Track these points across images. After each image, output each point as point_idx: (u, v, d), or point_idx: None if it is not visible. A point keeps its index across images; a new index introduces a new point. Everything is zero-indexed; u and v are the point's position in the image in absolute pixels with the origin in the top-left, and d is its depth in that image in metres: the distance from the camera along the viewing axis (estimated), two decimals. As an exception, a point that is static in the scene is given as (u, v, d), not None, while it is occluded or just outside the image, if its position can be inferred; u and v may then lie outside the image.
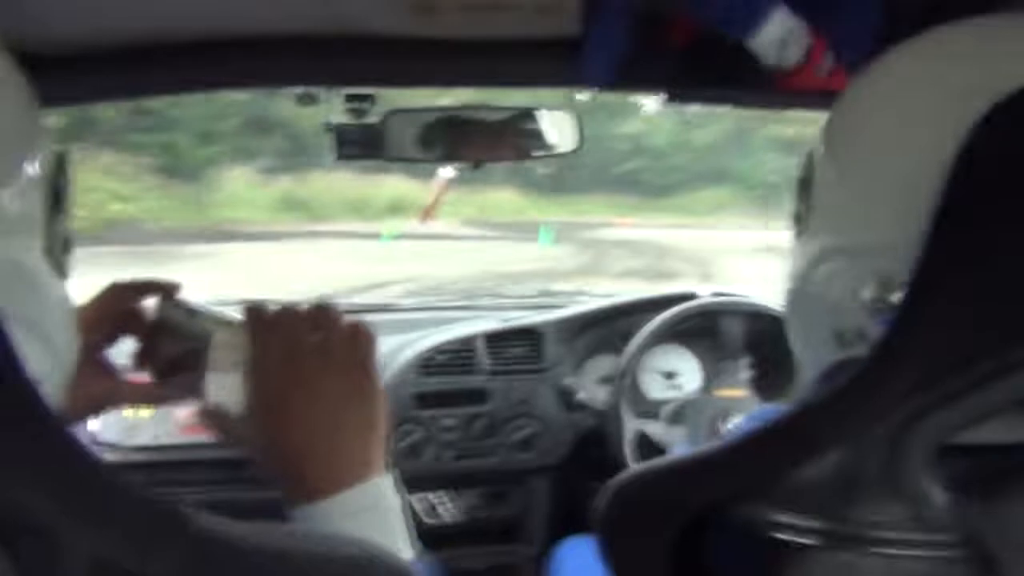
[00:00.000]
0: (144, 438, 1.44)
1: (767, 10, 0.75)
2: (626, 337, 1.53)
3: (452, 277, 8.84)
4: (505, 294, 2.03)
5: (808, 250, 0.57)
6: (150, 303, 0.69)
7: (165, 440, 1.43)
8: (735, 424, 1.41)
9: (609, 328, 1.64)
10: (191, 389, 0.62)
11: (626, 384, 1.49)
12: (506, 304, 1.87)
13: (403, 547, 0.53)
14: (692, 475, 0.53)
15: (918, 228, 0.46)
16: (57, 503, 0.37)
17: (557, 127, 1.17)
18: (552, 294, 1.98)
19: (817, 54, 0.81)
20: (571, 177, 12.93)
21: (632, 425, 1.47)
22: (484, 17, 0.87)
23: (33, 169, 0.45)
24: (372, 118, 1.10)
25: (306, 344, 0.55)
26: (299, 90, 1.03)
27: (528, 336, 1.63)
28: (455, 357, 1.59)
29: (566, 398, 1.59)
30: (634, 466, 0.61)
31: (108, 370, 0.68)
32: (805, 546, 0.47)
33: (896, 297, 0.48)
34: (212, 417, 0.59)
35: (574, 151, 1.21)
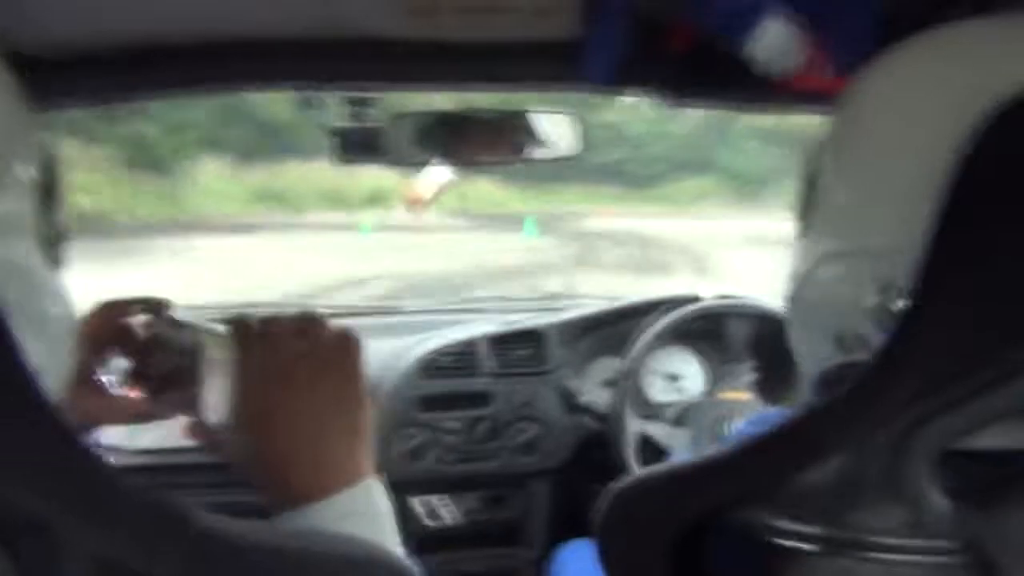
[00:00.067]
0: (147, 441, 1.46)
1: (765, 16, 0.76)
2: (629, 339, 1.55)
3: (438, 272, 8.71)
4: (507, 296, 2.04)
5: (810, 252, 0.58)
6: (139, 319, 0.70)
7: (168, 443, 1.44)
8: (736, 428, 1.42)
9: (612, 330, 1.66)
10: (183, 404, 0.63)
11: (629, 386, 1.51)
12: (508, 307, 1.89)
13: (393, 548, 0.54)
14: (693, 480, 0.54)
15: (920, 232, 0.46)
16: (58, 502, 0.37)
17: (557, 129, 1.19)
18: (554, 296, 2.00)
19: (814, 57, 0.82)
20: (552, 167, 12.92)
21: (635, 427, 1.49)
22: (483, 19, 0.88)
23: (27, 169, 0.46)
24: (372, 121, 1.11)
25: (292, 352, 0.57)
26: (300, 96, 1.04)
27: (531, 338, 1.65)
28: (458, 360, 1.61)
29: (569, 401, 1.61)
30: (635, 470, 0.62)
31: (100, 387, 0.69)
32: (806, 551, 0.48)
33: (898, 304, 0.49)
34: (201, 430, 0.61)
35: (574, 153, 1.23)
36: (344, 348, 0.58)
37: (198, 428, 0.61)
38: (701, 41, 0.88)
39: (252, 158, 13.43)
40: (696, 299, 1.62)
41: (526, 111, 1.17)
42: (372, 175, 13.18)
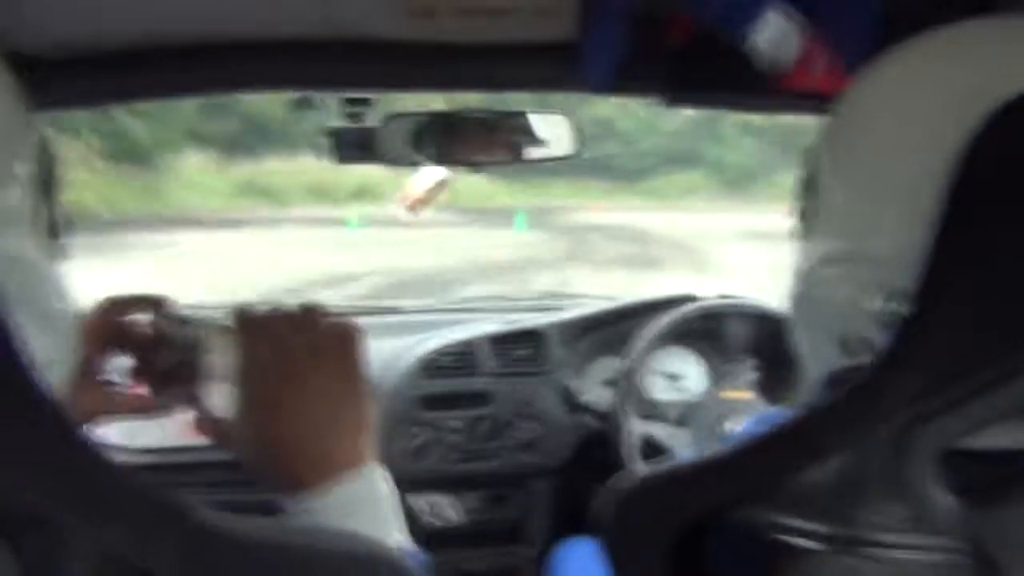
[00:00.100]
0: (148, 440, 1.47)
1: (764, 9, 0.77)
2: (629, 339, 1.56)
3: (427, 269, 8.63)
4: (507, 296, 2.05)
5: (813, 254, 0.58)
6: (141, 316, 0.71)
7: (169, 442, 1.45)
8: (740, 427, 1.43)
9: (612, 330, 1.67)
10: (185, 398, 0.65)
11: (629, 386, 1.52)
12: (508, 306, 1.91)
13: (396, 536, 0.56)
14: (695, 480, 0.55)
15: (922, 234, 0.47)
16: (58, 496, 0.38)
17: (552, 129, 1.20)
18: (555, 296, 2.02)
19: (812, 55, 0.83)
20: (541, 161, 12.89)
21: (635, 427, 1.50)
22: (482, 21, 0.89)
23: (27, 165, 0.47)
24: (370, 122, 1.12)
25: (294, 344, 0.58)
26: (297, 96, 1.06)
27: (531, 338, 1.66)
28: (458, 359, 1.62)
29: (569, 400, 1.63)
30: (636, 470, 0.63)
31: (102, 383, 0.70)
32: (808, 550, 0.48)
33: (902, 308, 0.49)
34: (207, 423, 0.62)
35: (571, 155, 1.24)
36: (345, 340, 0.59)
37: (202, 422, 0.62)
38: (700, 37, 0.89)
39: (237, 152, 13.37)
40: (696, 299, 1.63)
41: (522, 112, 1.18)
42: (358, 170, 13.12)
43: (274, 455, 0.56)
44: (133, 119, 12.55)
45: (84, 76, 0.93)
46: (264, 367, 0.57)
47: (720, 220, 13.14)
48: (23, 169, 0.47)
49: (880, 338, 0.50)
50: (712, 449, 0.56)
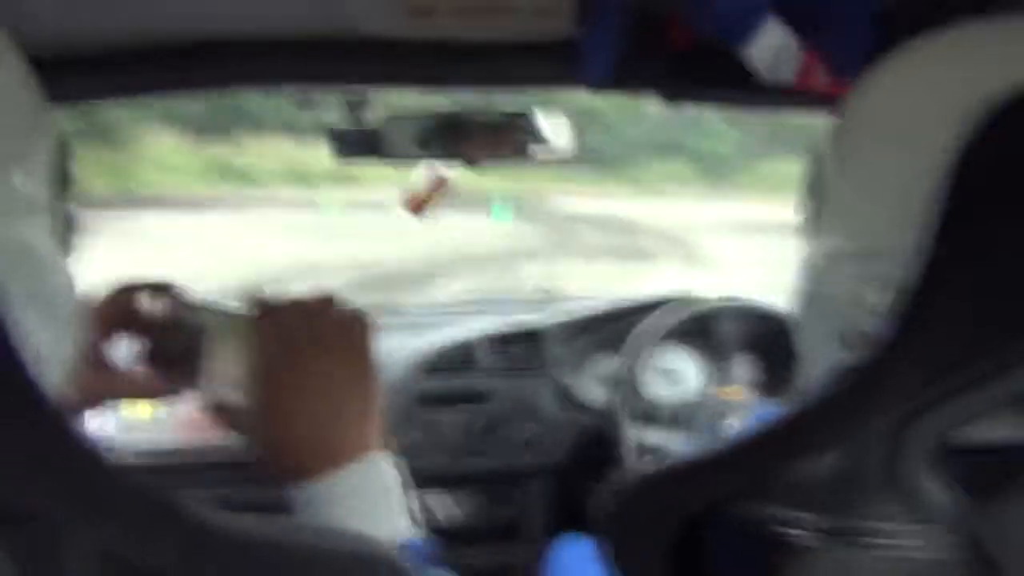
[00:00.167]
0: (144, 440, 1.49)
1: (762, 20, 0.78)
2: (626, 337, 1.60)
3: (408, 259, 8.45)
4: (507, 295, 2.08)
5: (816, 251, 0.59)
6: (151, 301, 0.73)
7: (164, 443, 1.48)
8: (739, 424, 1.46)
9: (610, 329, 1.71)
10: (193, 382, 0.67)
11: (628, 385, 1.56)
12: (507, 305, 1.94)
13: (401, 523, 0.58)
14: (692, 476, 0.56)
15: (920, 227, 0.48)
16: (57, 495, 0.39)
17: (554, 129, 1.22)
18: (553, 295, 2.05)
19: (812, 66, 0.85)
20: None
21: (632, 425, 1.54)
22: (481, 19, 0.90)
23: (40, 154, 0.48)
24: (369, 120, 1.13)
25: (304, 332, 0.60)
26: (298, 95, 1.07)
27: (529, 337, 1.70)
28: (455, 357, 1.65)
29: (567, 399, 1.66)
30: (633, 468, 0.65)
31: (106, 365, 0.72)
32: (806, 544, 0.49)
33: (900, 301, 0.50)
34: (216, 409, 0.65)
35: (571, 153, 1.26)
36: (355, 328, 0.61)
37: (210, 407, 0.65)
38: (699, 40, 0.90)
39: (209, 131, 13.19)
40: (694, 298, 1.67)
41: (525, 111, 1.20)
42: (333, 152, 12.99)
43: (282, 443, 0.58)
44: (102, 95, 12.33)
45: (84, 73, 0.94)
46: (274, 355, 0.59)
47: (705, 210, 13.16)
48: (40, 160, 0.48)
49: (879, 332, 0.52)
50: (710, 445, 0.57)
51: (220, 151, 13.64)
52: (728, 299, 1.65)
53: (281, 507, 0.58)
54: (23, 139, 0.47)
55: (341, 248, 8.93)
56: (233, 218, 11.40)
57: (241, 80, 1.00)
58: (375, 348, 0.62)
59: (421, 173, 1.23)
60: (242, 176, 13.71)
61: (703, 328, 1.64)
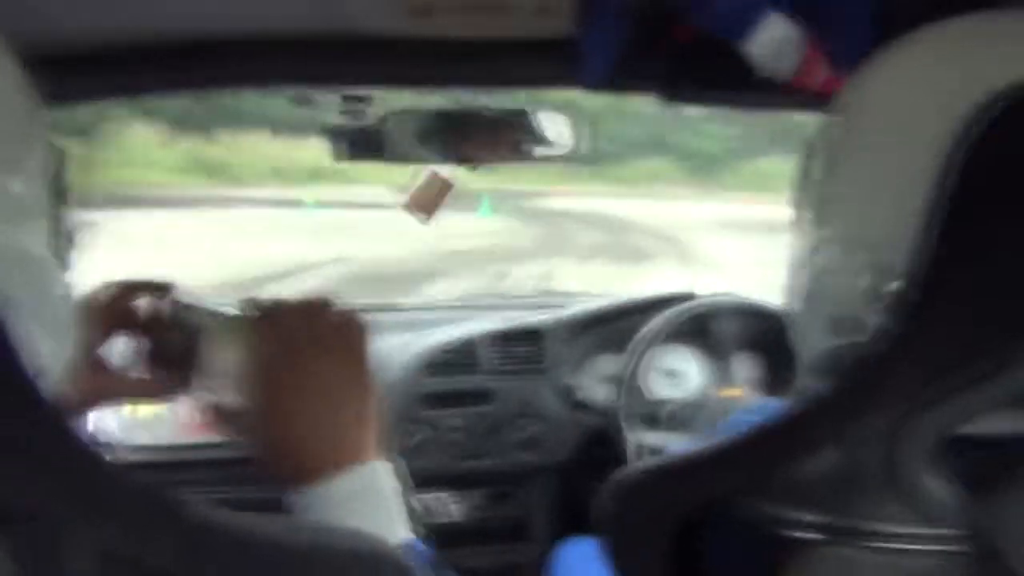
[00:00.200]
0: (144, 438, 1.50)
1: (763, 17, 0.79)
2: (628, 337, 1.61)
3: (393, 258, 8.28)
4: (507, 294, 2.11)
5: (807, 238, 0.60)
6: (147, 301, 0.73)
7: (165, 440, 1.49)
8: (734, 418, 1.47)
9: (611, 328, 1.73)
10: (188, 384, 0.67)
11: (630, 384, 1.57)
12: (509, 304, 1.97)
13: (399, 529, 0.58)
14: (691, 473, 0.57)
15: (916, 222, 0.49)
16: (56, 494, 0.39)
17: (554, 127, 1.23)
18: (554, 294, 2.07)
19: (813, 62, 0.86)
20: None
21: (635, 424, 1.55)
22: (482, 18, 0.91)
23: (37, 160, 0.49)
24: (369, 119, 1.14)
25: (301, 334, 0.60)
26: (297, 94, 1.08)
27: (531, 336, 1.72)
28: (458, 357, 1.67)
29: (569, 398, 1.68)
30: (634, 466, 0.65)
31: (105, 366, 0.73)
32: (806, 541, 0.50)
33: (892, 287, 0.51)
34: (212, 410, 0.66)
35: (572, 152, 1.27)
36: (351, 332, 0.62)
37: (207, 409, 0.66)
38: (700, 38, 0.91)
39: (186, 125, 13.09)
40: (696, 296, 1.69)
41: (525, 109, 1.21)
42: (316, 148, 12.92)
43: (279, 446, 0.59)
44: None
45: (84, 73, 0.95)
46: (271, 358, 0.60)
47: (695, 208, 13.23)
48: (36, 166, 0.49)
49: (871, 318, 0.53)
50: (709, 442, 0.57)
51: (199, 147, 13.54)
52: (730, 297, 1.67)
53: (282, 506, 0.59)
54: (19, 145, 0.47)
55: (323, 246, 8.86)
56: (208, 215, 11.32)
57: (241, 80, 1.01)
58: (371, 351, 0.63)
59: (424, 176, 1.23)
60: (222, 173, 13.60)
61: (705, 327, 1.65)
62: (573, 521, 1.63)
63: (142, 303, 0.73)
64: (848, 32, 0.78)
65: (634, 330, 1.61)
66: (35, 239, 0.48)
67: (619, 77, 0.96)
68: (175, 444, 1.48)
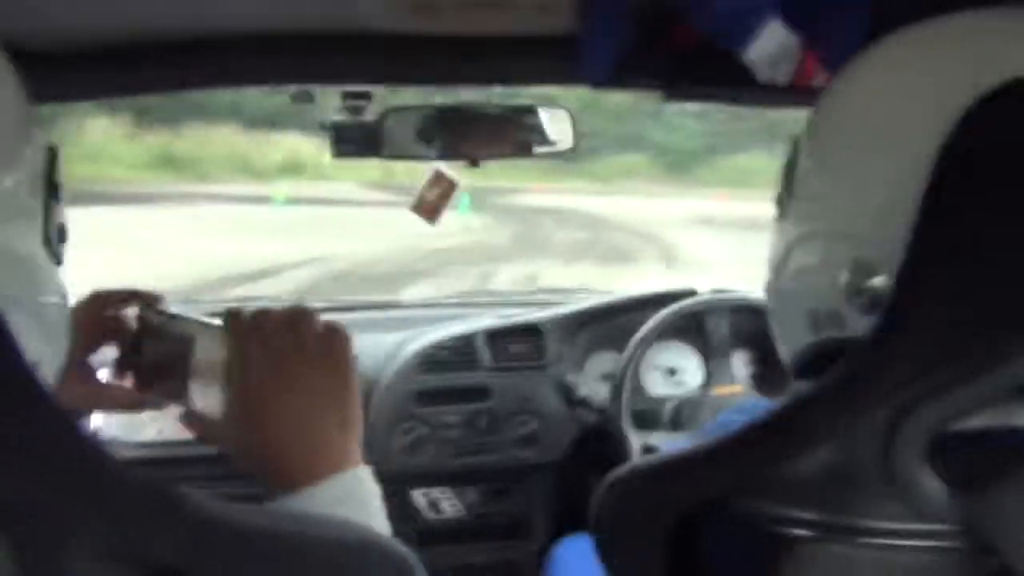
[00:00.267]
0: (148, 434, 1.53)
1: (761, 23, 0.79)
2: (627, 334, 1.63)
3: (368, 258, 8.11)
4: (506, 292, 2.13)
5: (788, 234, 0.62)
6: (130, 311, 0.74)
7: (169, 436, 1.51)
8: (722, 417, 1.50)
9: (610, 325, 1.76)
10: (173, 394, 0.68)
11: (627, 381, 1.59)
12: (507, 301, 2.01)
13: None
14: (686, 472, 0.58)
15: (896, 217, 0.51)
16: (57, 489, 0.40)
17: (555, 124, 1.24)
18: (553, 291, 2.10)
19: (811, 68, 0.88)
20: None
21: (633, 431, 1.56)
22: (484, 15, 0.93)
23: (29, 159, 0.50)
24: (370, 116, 1.15)
25: (283, 343, 0.62)
26: (297, 89, 1.08)
27: (529, 333, 1.74)
28: (456, 354, 1.70)
29: (567, 394, 1.70)
30: (631, 464, 0.66)
31: (90, 375, 0.75)
32: (801, 538, 0.51)
33: (872, 282, 0.53)
34: (194, 419, 0.67)
35: (571, 149, 1.29)
36: (332, 340, 0.63)
37: (189, 417, 0.67)
38: (701, 38, 0.93)
39: (151, 118, 12.91)
40: (694, 293, 1.72)
41: (526, 106, 1.22)
42: (286, 142, 12.84)
43: (261, 454, 0.60)
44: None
45: (83, 70, 0.96)
46: (253, 366, 0.62)
47: (670, 204, 13.29)
48: (29, 167, 0.50)
49: (849, 313, 0.55)
50: (704, 440, 0.59)
51: (165, 141, 13.37)
52: (729, 295, 1.70)
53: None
54: (12, 145, 0.48)
55: (294, 245, 8.74)
56: (174, 212, 11.18)
57: (243, 77, 1.02)
58: (353, 358, 0.64)
59: (429, 176, 1.25)
60: (189, 168, 13.44)
61: (704, 324, 1.68)
62: (570, 518, 1.66)
63: (127, 312, 0.74)
64: (845, 39, 0.81)
65: (633, 327, 1.63)
66: (28, 239, 0.50)
67: (621, 74, 0.97)
68: (175, 440, 1.50)
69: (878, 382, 0.49)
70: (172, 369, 0.68)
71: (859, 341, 0.52)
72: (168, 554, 0.42)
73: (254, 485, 0.60)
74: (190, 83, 1.04)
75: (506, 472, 1.72)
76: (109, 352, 0.74)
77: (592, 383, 1.71)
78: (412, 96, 1.23)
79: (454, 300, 2.08)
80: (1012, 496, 0.47)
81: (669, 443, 1.57)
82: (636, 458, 1.53)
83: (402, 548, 0.53)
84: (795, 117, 0.90)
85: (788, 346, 0.64)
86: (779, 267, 0.64)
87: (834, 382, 0.51)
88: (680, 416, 1.61)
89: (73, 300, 0.72)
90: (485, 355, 1.71)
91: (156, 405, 0.75)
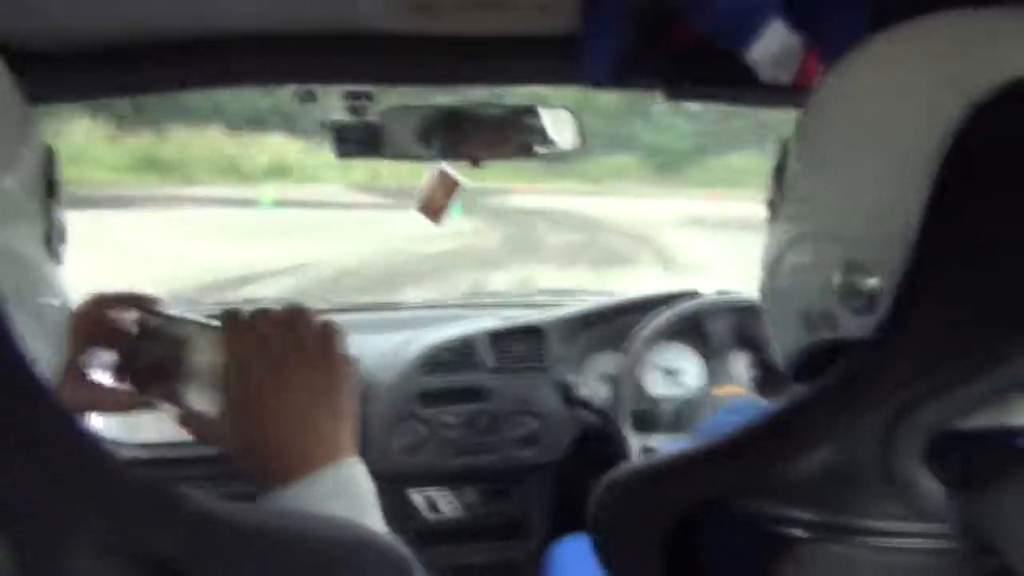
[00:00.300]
0: (148, 434, 1.54)
1: (762, 24, 0.80)
2: (627, 335, 1.65)
3: (356, 264, 7.99)
4: (507, 292, 2.15)
5: (780, 235, 0.63)
6: (127, 314, 0.75)
7: (169, 436, 1.52)
8: (716, 418, 1.51)
9: (610, 326, 1.77)
10: (171, 394, 0.69)
11: (627, 382, 1.60)
12: (508, 302, 2.03)
13: (374, 525, 0.60)
14: (684, 472, 0.59)
15: (888, 217, 0.51)
16: (56, 486, 0.41)
17: (557, 124, 1.25)
18: (553, 292, 2.12)
19: (813, 69, 0.89)
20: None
21: (633, 432, 1.58)
22: (484, 15, 0.94)
23: (28, 160, 0.51)
24: (371, 116, 1.16)
25: (282, 343, 0.63)
26: (298, 89, 1.09)
27: (530, 334, 1.76)
28: (457, 355, 1.71)
29: (568, 395, 1.71)
30: (630, 464, 0.67)
31: (88, 379, 0.75)
32: (800, 539, 0.52)
33: (866, 283, 0.53)
34: (191, 419, 0.69)
35: (574, 149, 1.30)
36: (327, 338, 0.65)
37: (187, 417, 0.69)
38: (701, 38, 0.94)
39: (135, 120, 12.83)
40: (695, 295, 1.73)
41: (528, 106, 1.23)
42: (271, 144, 12.81)
43: (256, 451, 0.62)
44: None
45: (84, 70, 0.97)
46: (252, 367, 0.63)
47: (660, 205, 13.29)
48: (28, 168, 0.51)
49: (843, 315, 0.55)
50: (702, 440, 0.59)
51: (148, 143, 13.29)
52: (729, 296, 1.72)
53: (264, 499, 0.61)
54: (11, 146, 0.49)
55: (279, 250, 8.66)
56: (158, 216, 11.12)
57: (244, 77, 1.03)
58: (347, 355, 0.66)
59: (434, 176, 1.25)
60: (173, 171, 13.37)
61: (704, 325, 1.69)
62: (569, 518, 1.65)
63: (122, 315, 0.75)
64: (845, 39, 0.82)
65: (633, 328, 1.65)
66: (27, 240, 0.51)
67: (621, 74, 0.98)
68: (176, 440, 1.51)
69: (879, 382, 0.49)
70: (170, 370, 0.69)
71: (857, 342, 0.53)
72: (168, 552, 0.43)
73: (254, 485, 0.61)
74: (190, 83, 1.05)
75: (505, 472, 1.74)
76: (107, 354, 0.75)
77: (593, 384, 1.72)
78: (414, 96, 1.24)
79: (455, 301, 2.10)
80: (1011, 496, 0.47)
81: (669, 444, 1.58)
82: (634, 457, 1.55)
83: (400, 548, 0.54)
84: (787, 117, 0.91)
85: (782, 347, 0.64)
86: (772, 269, 0.64)
87: (834, 382, 0.52)
88: (680, 417, 1.62)
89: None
90: (486, 356, 1.72)
91: (151, 407, 0.76)
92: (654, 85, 1.03)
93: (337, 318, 0.67)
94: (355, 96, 1.14)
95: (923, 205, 0.50)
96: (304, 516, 0.55)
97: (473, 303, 2.05)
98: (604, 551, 0.63)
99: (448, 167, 1.25)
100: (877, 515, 0.50)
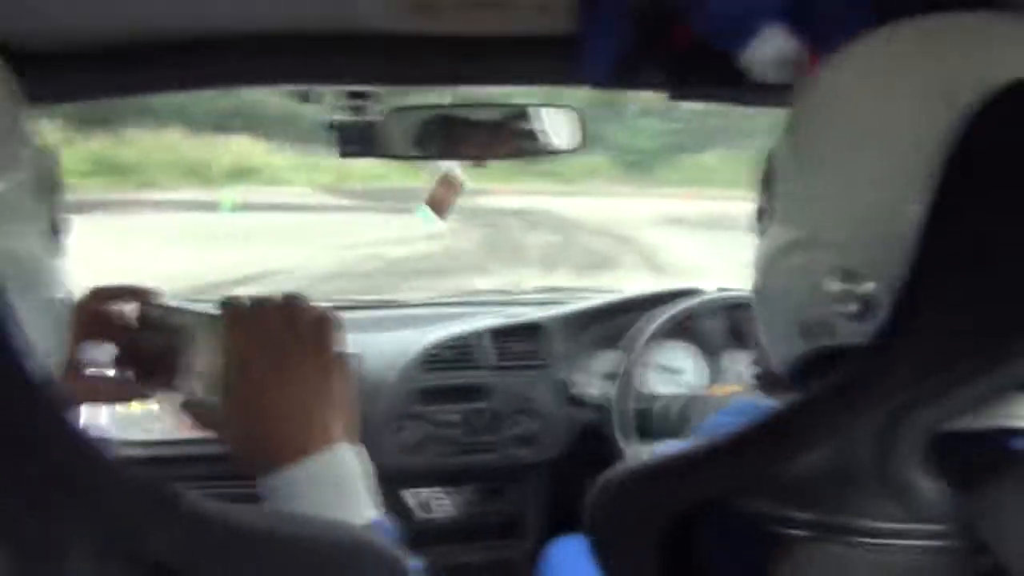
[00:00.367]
0: (147, 433, 1.56)
1: (760, 26, 0.80)
2: (629, 333, 1.68)
3: (327, 272, 7.80)
4: (508, 290, 2.15)
5: (772, 243, 0.63)
6: (127, 305, 0.77)
7: (157, 436, 1.55)
8: (713, 418, 1.53)
9: (612, 324, 1.79)
10: (171, 384, 0.72)
11: (626, 380, 1.63)
12: (508, 300, 2.04)
13: (366, 509, 0.63)
14: (682, 472, 0.60)
15: (882, 222, 0.53)
16: (52, 486, 0.42)
17: (557, 124, 1.27)
18: (554, 290, 2.13)
19: (811, 74, 0.91)
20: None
21: (631, 431, 1.61)
22: (484, 15, 0.96)
23: (25, 162, 0.52)
24: (372, 115, 1.17)
25: (278, 331, 0.66)
26: (298, 89, 1.10)
27: (531, 332, 1.78)
28: (458, 353, 1.73)
29: (568, 394, 1.74)
30: (624, 463, 0.69)
31: (85, 370, 0.77)
32: (797, 538, 0.53)
33: (861, 289, 0.55)
34: (191, 407, 0.70)
35: (575, 149, 1.31)
36: (323, 326, 0.68)
37: (188, 406, 0.70)
38: (699, 43, 0.96)
39: (90, 122, 12.62)
40: (695, 293, 1.76)
41: (528, 105, 1.25)
42: (234, 146, 12.67)
43: (255, 438, 0.64)
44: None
45: (84, 70, 0.98)
46: (253, 356, 0.65)
47: (633, 204, 13.31)
48: (25, 169, 0.52)
49: (840, 321, 0.56)
50: (700, 440, 0.60)
51: (106, 146, 13.08)
52: (729, 295, 1.74)
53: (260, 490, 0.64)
54: (7, 147, 0.51)
55: (243, 257, 8.47)
56: (115, 222, 10.93)
57: (243, 77, 1.05)
58: (343, 343, 0.68)
59: (439, 180, 1.27)
60: (132, 174, 13.17)
61: (704, 324, 1.72)
62: (567, 518, 1.67)
63: (120, 308, 0.78)
64: (846, 39, 0.84)
65: (635, 326, 1.67)
66: (26, 241, 0.52)
67: (621, 74, 1.00)
68: (168, 439, 1.54)
69: (878, 384, 0.50)
70: (171, 360, 0.72)
71: (857, 346, 0.54)
72: (163, 552, 0.44)
73: (245, 484, 0.62)
74: (190, 83, 1.07)
75: (504, 471, 1.75)
76: (108, 346, 0.77)
77: (593, 382, 1.74)
78: (416, 96, 1.25)
79: (456, 299, 2.11)
80: (1008, 496, 0.48)
81: (666, 441, 1.60)
82: (632, 456, 1.56)
83: (395, 548, 0.56)
84: (765, 116, 0.93)
85: (779, 355, 0.66)
86: (764, 277, 0.65)
87: (833, 384, 0.53)
88: (680, 416, 1.64)
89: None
90: (487, 354, 1.74)
91: (149, 397, 0.79)
92: (654, 85, 1.05)
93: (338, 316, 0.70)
94: (355, 96, 1.15)
95: (920, 208, 0.51)
96: (299, 517, 0.57)
97: (474, 301, 2.07)
98: (600, 551, 0.64)
99: (455, 167, 1.26)
100: (875, 515, 0.51)
